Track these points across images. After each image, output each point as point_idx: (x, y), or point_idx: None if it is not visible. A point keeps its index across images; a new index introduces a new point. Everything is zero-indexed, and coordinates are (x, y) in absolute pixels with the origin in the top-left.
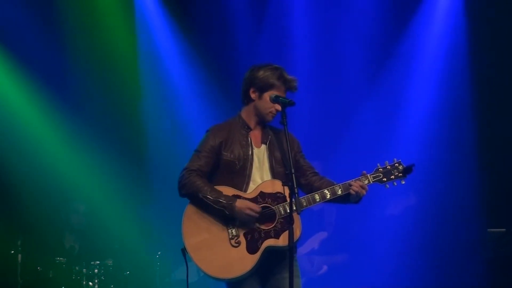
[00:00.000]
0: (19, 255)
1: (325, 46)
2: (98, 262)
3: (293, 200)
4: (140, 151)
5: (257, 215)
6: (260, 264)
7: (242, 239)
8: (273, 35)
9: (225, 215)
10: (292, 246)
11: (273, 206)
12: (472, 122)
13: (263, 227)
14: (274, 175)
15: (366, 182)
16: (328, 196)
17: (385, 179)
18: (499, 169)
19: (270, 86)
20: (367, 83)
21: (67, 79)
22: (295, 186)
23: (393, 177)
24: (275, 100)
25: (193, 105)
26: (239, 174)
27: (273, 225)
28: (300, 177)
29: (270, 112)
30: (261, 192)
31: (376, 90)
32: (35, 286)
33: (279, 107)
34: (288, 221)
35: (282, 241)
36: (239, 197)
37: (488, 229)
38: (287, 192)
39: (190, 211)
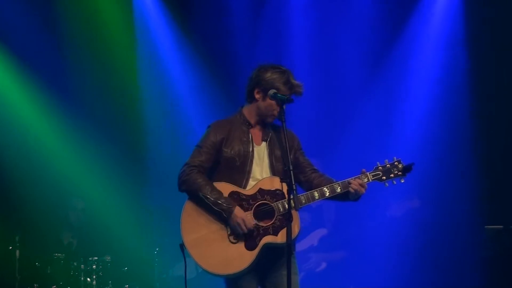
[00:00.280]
0: (17, 251)
1: (323, 45)
2: (96, 258)
3: (292, 196)
4: (138, 148)
5: (244, 230)
6: (258, 260)
7: (240, 235)
8: (271, 35)
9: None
10: (290, 243)
11: (271, 203)
12: (469, 120)
13: (261, 224)
14: (274, 172)
15: (366, 180)
16: (327, 194)
17: (384, 177)
18: (496, 166)
19: (275, 89)
20: (365, 81)
21: (66, 77)
22: (293, 183)
23: (392, 175)
24: (273, 96)
25: (191, 103)
26: (239, 170)
27: (272, 222)
28: (299, 174)
29: (272, 114)
30: (260, 189)
31: (375, 88)
32: (33, 282)
33: (283, 118)
34: (287, 218)
35: (281, 238)
36: (238, 194)
37: (486, 226)
38: (285, 188)
39: (189, 207)
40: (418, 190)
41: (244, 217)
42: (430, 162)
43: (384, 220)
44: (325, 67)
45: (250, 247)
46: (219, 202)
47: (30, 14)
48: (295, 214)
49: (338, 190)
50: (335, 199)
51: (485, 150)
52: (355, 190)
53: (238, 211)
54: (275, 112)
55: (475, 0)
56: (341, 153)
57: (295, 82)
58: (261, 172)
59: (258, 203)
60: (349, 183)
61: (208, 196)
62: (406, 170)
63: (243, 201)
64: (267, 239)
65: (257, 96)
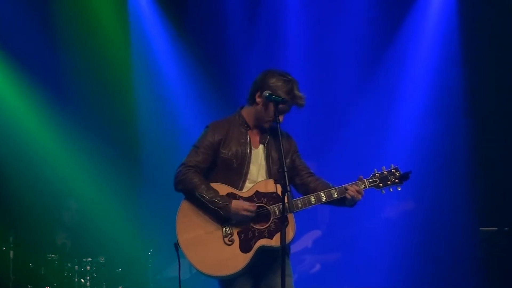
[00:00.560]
0: (11, 252)
1: (319, 46)
2: (90, 259)
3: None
4: (133, 149)
5: (253, 214)
6: (252, 263)
7: (235, 237)
8: (266, 35)
9: (220, 215)
10: (284, 245)
11: (268, 206)
12: (464, 121)
13: (257, 226)
14: (271, 175)
15: (363, 186)
16: (324, 199)
17: (381, 184)
18: (491, 168)
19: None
20: (360, 82)
21: (60, 77)
22: (287, 184)
23: (389, 183)
24: (268, 98)
25: (186, 103)
26: (236, 172)
27: (267, 225)
28: (295, 177)
29: (269, 121)
30: (257, 191)
31: (370, 90)
32: (27, 283)
33: (280, 119)
34: (281, 221)
35: (275, 241)
36: (234, 195)
37: (480, 228)
38: (279, 190)
39: (185, 207)
40: (413, 191)
41: (244, 206)
42: (425, 164)
43: (378, 221)
44: (320, 69)
45: (245, 249)
46: (215, 200)
47: (25, 14)
48: (291, 218)
49: (335, 195)
50: (331, 204)
51: (480, 152)
52: (352, 197)
53: (235, 204)
54: (274, 121)
55: (470, 0)
56: (337, 156)
57: (299, 93)
58: (257, 175)
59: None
60: (346, 189)
61: (204, 195)
62: (403, 178)
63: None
64: (262, 242)
65: (258, 100)
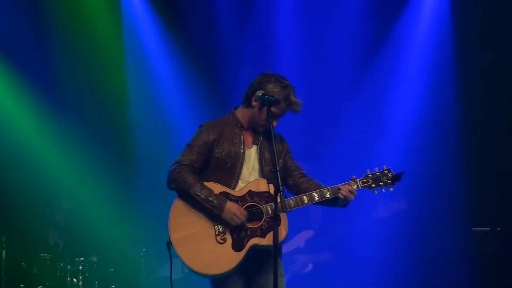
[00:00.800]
0: (3, 251)
1: (311, 47)
2: (82, 258)
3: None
4: (125, 148)
5: (239, 222)
6: (244, 262)
7: (228, 236)
8: (259, 35)
9: (213, 214)
10: (277, 244)
11: (260, 205)
12: (457, 122)
13: (249, 225)
14: (264, 176)
15: (355, 187)
16: (316, 198)
17: (374, 185)
18: (484, 168)
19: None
20: (353, 83)
21: (54, 77)
22: (280, 184)
23: (382, 183)
24: (261, 98)
25: (179, 103)
26: (229, 172)
27: (260, 224)
28: (287, 178)
29: (264, 125)
30: (249, 190)
31: (363, 92)
32: (19, 283)
33: (274, 123)
34: (274, 220)
35: (268, 240)
36: (227, 194)
37: (473, 228)
38: (272, 190)
39: (178, 205)
40: (405, 191)
41: (236, 211)
42: (417, 164)
43: (371, 221)
44: (313, 70)
45: (237, 248)
46: (210, 199)
47: (17, 13)
48: (283, 217)
49: (328, 195)
50: (324, 204)
51: (472, 152)
52: (345, 196)
53: (229, 206)
54: (267, 124)
55: (463, 0)
56: (330, 157)
57: (295, 99)
58: (250, 175)
59: (247, 205)
60: (339, 189)
61: (199, 193)
62: (396, 179)
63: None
64: (254, 240)
65: (254, 103)
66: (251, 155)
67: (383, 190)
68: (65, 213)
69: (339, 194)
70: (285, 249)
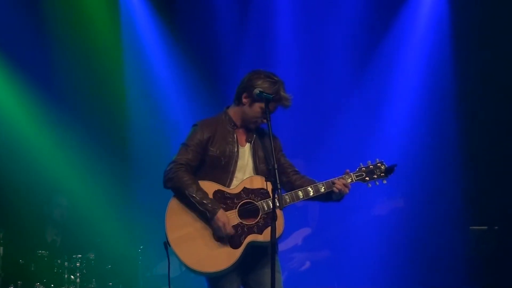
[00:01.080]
0: (1, 248)
1: (308, 45)
2: (80, 255)
3: (276, 195)
4: (122, 146)
5: (222, 235)
6: (243, 259)
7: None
8: (257, 33)
9: (207, 217)
10: (274, 241)
11: (256, 202)
12: (454, 120)
13: (246, 222)
14: (258, 173)
15: (349, 180)
16: (311, 193)
17: (367, 178)
18: (481, 167)
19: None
20: (350, 81)
21: (52, 75)
22: (277, 182)
23: (375, 176)
24: (259, 95)
25: (177, 101)
26: (223, 170)
27: (256, 220)
28: (281, 175)
29: (255, 122)
30: (244, 187)
31: (359, 88)
32: (17, 280)
33: (265, 121)
34: (271, 217)
35: (264, 236)
36: (223, 192)
37: (470, 227)
38: (270, 187)
39: (174, 204)
40: (402, 189)
41: (226, 222)
42: (414, 161)
43: (368, 219)
44: (310, 68)
45: (234, 246)
46: (204, 202)
47: (16, 12)
48: (279, 213)
49: (322, 189)
50: (319, 199)
51: (470, 151)
52: (339, 190)
53: (221, 215)
54: (259, 120)
55: (461, 0)
56: (325, 153)
57: (285, 95)
58: (244, 173)
59: (242, 202)
60: (333, 183)
61: (194, 195)
62: (389, 171)
63: (227, 199)
64: (251, 237)
65: (244, 100)
66: (245, 152)
67: (377, 182)
68: (63, 210)
69: (334, 188)
70: (283, 247)
